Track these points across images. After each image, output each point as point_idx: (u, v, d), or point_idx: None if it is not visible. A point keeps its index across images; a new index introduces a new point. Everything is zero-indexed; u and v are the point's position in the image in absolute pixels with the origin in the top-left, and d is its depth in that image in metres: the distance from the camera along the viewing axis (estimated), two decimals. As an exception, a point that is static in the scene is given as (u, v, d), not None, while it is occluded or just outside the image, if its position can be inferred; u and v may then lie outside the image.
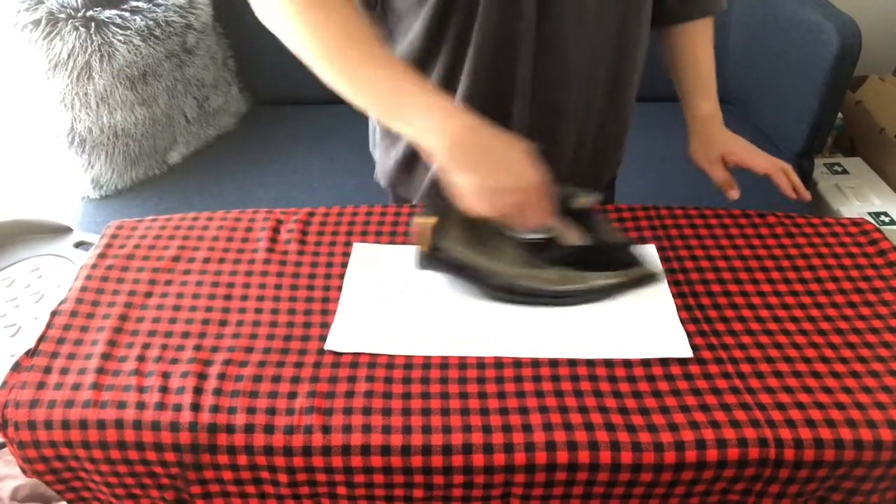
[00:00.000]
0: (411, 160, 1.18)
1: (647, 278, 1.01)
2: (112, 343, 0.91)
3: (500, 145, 0.87)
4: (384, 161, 1.24)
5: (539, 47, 1.01)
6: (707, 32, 1.24)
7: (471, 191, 0.87)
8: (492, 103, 1.04)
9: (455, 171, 0.87)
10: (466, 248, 0.96)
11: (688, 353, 0.90)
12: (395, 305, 0.98)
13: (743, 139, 1.21)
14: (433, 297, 0.99)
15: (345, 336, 0.93)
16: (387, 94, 0.88)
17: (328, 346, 0.91)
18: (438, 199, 0.94)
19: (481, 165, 0.86)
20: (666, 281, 1.01)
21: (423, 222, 0.95)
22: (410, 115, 0.87)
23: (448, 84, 1.05)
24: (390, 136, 1.22)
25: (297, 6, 0.86)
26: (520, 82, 1.04)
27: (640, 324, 0.94)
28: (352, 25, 0.88)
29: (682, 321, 0.95)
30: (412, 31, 1.03)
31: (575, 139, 1.14)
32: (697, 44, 1.23)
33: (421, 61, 1.05)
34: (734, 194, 1.18)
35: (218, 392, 0.85)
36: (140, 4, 1.96)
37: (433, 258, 0.97)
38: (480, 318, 0.96)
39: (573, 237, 0.97)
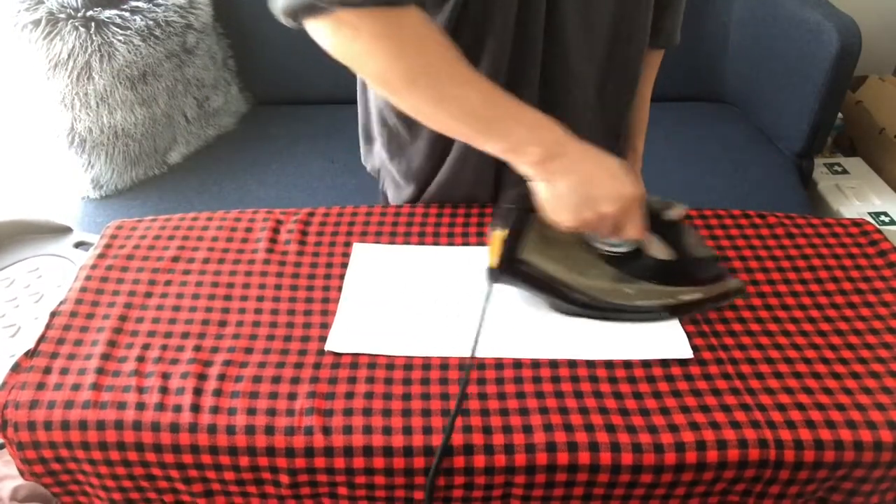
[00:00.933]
0: (418, 171, 1.17)
1: (735, 292, 0.97)
2: (112, 343, 0.91)
3: (595, 156, 0.88)
4: (388, 164, 1.23)
5: (546, 64, 1.02)
6: (655, 67, 1.26)
7: (565, 201, 0.87)
8: None
9: (548, 180, 0.87)
10: (547, 260, 0.94)
11: (688, 353, 0.90)
12: (395, 306, 0.97)
13: None
14: (433, 297, 0.99)
15: (344, 337, 0.93)
16: (480, 112, 0.86)
17: (328, 346, 0.91)
18: (512, 210, 0.93)
19: (577, 174, 0.86)
20: None
21: (496, 234, 0.92)
22: (506, 130, 0.86)
23: None
24: (396, 144, 1.19)
25: (376, 37, 0.82)
26: (528, 91, 1.04)
27: (641, 326, 0.94)
28: (432, 47, 0.85)
29: (682, 321, 0.95)
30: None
31: None
32: (646, 79, 1.25)
33: None
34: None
35: (218, 393, 0.85)
36: (140, 4, 1.96)
37: (508, 271, 0.94)
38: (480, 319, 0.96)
39: (659, 250, 0.94)
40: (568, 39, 1.00)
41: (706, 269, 0.96)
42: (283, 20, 0.87)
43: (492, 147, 0.88)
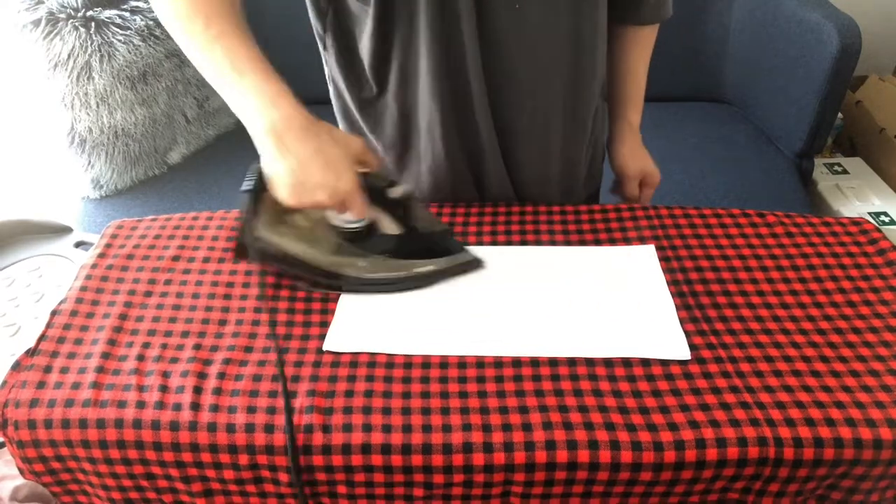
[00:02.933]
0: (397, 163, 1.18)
1: (467, 265, 1.02)
2: (112, 342, 0.91)
3: (322, 143, 0.89)
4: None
5: (486, 68, 1.02)
6: (650, 42, 1.26)
7: (284, 179, 0.88)
8: (455, 120, 1.07)
9: (270, 158, 0.88)
10: (281, 237, 0.96)
11: (686, 355, 0.90)
12: (394, 306, 0.97)
13: (657, 170, 1.29)
14: (432, 296, 0.99)
15: (343, 336, 0.93)
16: (222, 70, 0.90)
17: (326, 346, 0.91)
18: (249, 190, 0.95)
19: (295, 159, 0.87)
20: (661, 279, 1.01)
21: (242, 213, 0.94)
22: (238, 96, 0.90)
23: (407, 86, 1.07)
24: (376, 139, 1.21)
25: None
26: (477, 104, 1.05)
27: (639, 325, 0.94)
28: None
29: (682, 321, 0.95)
30: (366, 32, 1.04)
31: (538, 160, 1.15)
32: (640, 54, 1.26)
33: (378, 63, 1.07)
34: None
35: (218, 391, 0.85)
36: (140, 4, 1.96)
37: (252, 249, 0.96)
38: (479, 317, 0.96)
39: (390, 226, 0.99)
40: (502, 40, 1.02)
41: (439, 243, 1.02)
42: None
43: (230, 106, 0.92)
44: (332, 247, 0.99)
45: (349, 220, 0.98)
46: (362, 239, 1.00)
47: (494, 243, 1.08)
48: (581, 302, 0.97)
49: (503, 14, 0.98)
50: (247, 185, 0.94)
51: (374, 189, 0.94)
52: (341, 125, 1.22)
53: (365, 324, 0.95)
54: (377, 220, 0.99)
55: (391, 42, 1.03)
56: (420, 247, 1.00)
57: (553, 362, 0.89)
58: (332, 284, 0.99)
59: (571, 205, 1.15)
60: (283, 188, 0.88)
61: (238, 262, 0.96)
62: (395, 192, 0.97)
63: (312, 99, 2.52)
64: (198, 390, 0.85)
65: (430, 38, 0.99)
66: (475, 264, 1.02)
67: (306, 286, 0.99)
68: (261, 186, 0.92)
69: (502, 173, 1.14)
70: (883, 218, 2.14)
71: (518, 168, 1.15)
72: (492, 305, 0.97)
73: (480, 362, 0.89)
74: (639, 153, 1.29)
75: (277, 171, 0.88)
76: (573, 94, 1.10)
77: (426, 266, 1.00)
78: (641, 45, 1.26)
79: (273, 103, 0.89)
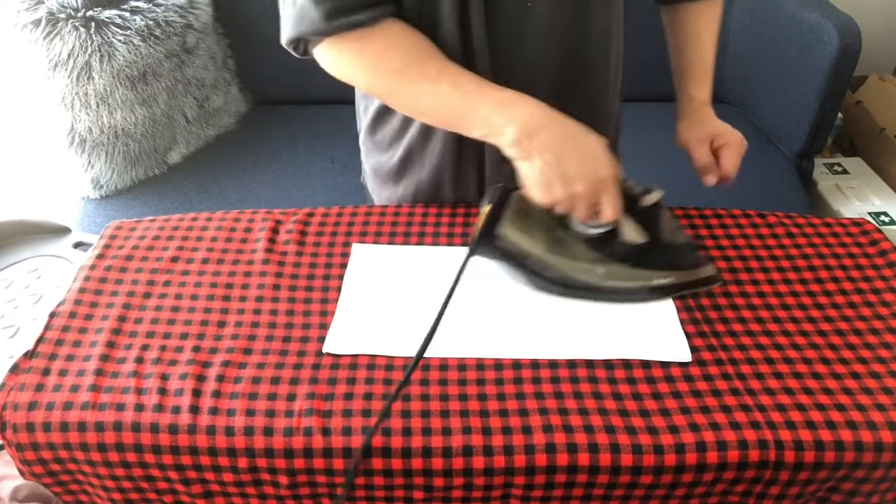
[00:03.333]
0: (391, 170, 1.18)
1: (709, 279, 0.97)
2: (110, 344, 0.91)
3: (574, 134, 0.88)
4: (366, 165, 1.26)
5: (494, 61, 1.01)
6: (713, 15, 1.19)
7: (538, 177, 0.87)
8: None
9: (524, 158, 0.87)
10: (523, 237, 0.95)
11: (687, 357, 0.90)
12: (394, 307, 0.97)
13: (738, 132, 1.17)
14: (432, 298, 0.98)
15: (343, 338, 0.93)
16: (453, 102, 0.91)
17: (326, 348, 0.91)
18: (498, 188, 0.95)
19: (552, 151, 0.86)
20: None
21: (482, 210, 0.94)
22: (480, 116, 0.89)
23: None
24: (371, 143, 1.21)
25: (353, 56, 0.94)
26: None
27: (641, 327, 0.94)
28: (402, 52, 0.93)
29: (683, 322, 0.94)
30: None
31: None
32: (702, 25, 1.19)
33: None
34: (711, 180, 1.14)
35: (217, 394, 0.85)
36: (140, 4, 1.95)
37: (486, 245, 0.95)
38: (479, 319, 0.95)
39: (635, 234, 0.95)
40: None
41: (682, 255, 0.97)
42: (295, 54, 0.99)
43: (473, 133, 0.91)
44: (571, 252, 0.96)
45: (592, 224, 0.95)
46: (603, 246, 0.96)
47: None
48: (582, 304, 0.97)
49: (513, 9, 0.98)
50: (496, 186, 0.95)
51: (623, 194, 0.91)
52: (364, 122, 1.21)
53: (365, 326, 0.94)
54: (621, 225, 0.94)
55: None
56: (661, 257, 0.96)
57: (553, 364, 0.89)
58: (567, 291, 0.97)
59: None
60: (538, 186, 0.88)
61: (472, 255, 0.94)
62: (649, 199, 0.94)
63: (312, 99, 2.53)
64: (196, 393, 0.85)
65: (445, 32, 0.98)
66: (716, 279, 0.98)
67: (537, 288, 0.98)
68: (510, 187, 0.94)
69: (506, 170, 1.13)
70: (883, 218, 2.14)
71: None
72: (492, 307, 0.97)
73: (480, 364, 0.89)
74: (701, 121, 1.18)
75: (534, 168, 0.87)
76: (583, 93, 1.08)
77: (666, 278, 0.96)
78: (702, 17, 1.18)
79: (514, 107, 0.89)
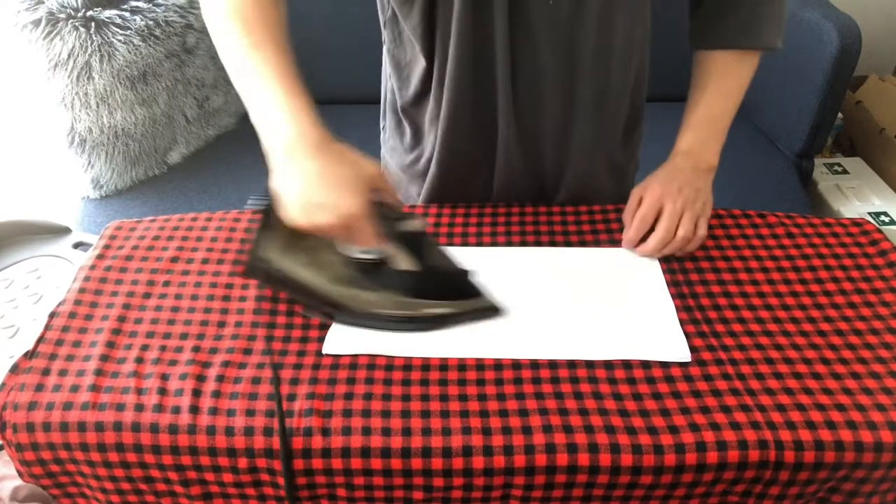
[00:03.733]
0: (412, 170, 1.19)
1: (485, 311, 0.94)
2: (110, 345, 0.91)
3: (331, 164, 0.85)
4: (388, 163, 1.26)
5: (514, 61, 1.01)
6: (734, 70, 1.12)
7: (289, 200, 0.85)
8: (478, 113, 1.07)
9: (279, 175, 0.85)
10: (288, 261, 0.93)
11: (687, 357, 0.90)
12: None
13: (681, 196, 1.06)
14: None
15: (342, 339, 0.93)
16: (256, 82, 0.88)
17: (326, 349, 0.91)
18: (265, 205, 0.91)
19: (304, 178, 0.84)
20: (662, 281, 1.00)
21: (249, 232, 0.90)
22: (264, 110, 0.88)
23: (435, 94, 1.07)
24: (394, 142, 1.22)
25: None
26: (501, 97, 1.05)
27: (640, 327, 0.94)
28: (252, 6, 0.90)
29: (682, 322, 0.94)
30: (410, 27, 1.04)
31: (559, 157, 1.14)
32: (716, 76, 1.12)
33: (409, 66, 1.08)
34: (631, 235, 1.06)
35: (217, 394, 0.85)
36: (140, 4, 1.96)
37: (256, 269, 0.93)
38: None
39: (404, 262, 0.92)
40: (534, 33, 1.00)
41: (456, 285, 0.94)
42: None
43: (251, 117, 0.89)
44: (339, 277, 0.93)
45: (361, 250, 0.92)
46: (374, 272, 0.93)
47: (494, 244, 1.07)
48: (582, 304, 0.97)
49: (536, 7, 0.98)
50: (255, 202, 0.91)
51: (387, 220, 0.89)
52: (390, 122, 1.22)
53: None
54: (392, 253, 0.91)
55: (433, 39, 1.03)
56: (435, 287, 0.93)
57: (553, 364, 0.89)
58: (333, 314, 0.94)
59: (585, 205, 1.15)
60: (289, 207, 0.85)
61: (245, 279, 0.93)
62: (410, 224, 0.92)
63: (314, 99, 2.52)
64: (196, 393, 0.85)
65: (461, 30, 0.98)
66: (494, 311, 0.95)
67: (305, 312, 0.95)
68: (270, 206, 0.89)
69: (517, 169, 1.13)
70: (883, 218, 2.14)
71: (538, 164, 1.15)
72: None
73: (480, 365, 0.89)
74: (664, 173, 1.10)
75: (284, 189, 0.85)
76: (601, 95, 1.08)
77: (438, 308, 0.93)
78: (718, 67, 1.12)
79: (291, 119, 0.86)
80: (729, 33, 1.10)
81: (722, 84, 1.13)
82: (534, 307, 0.97)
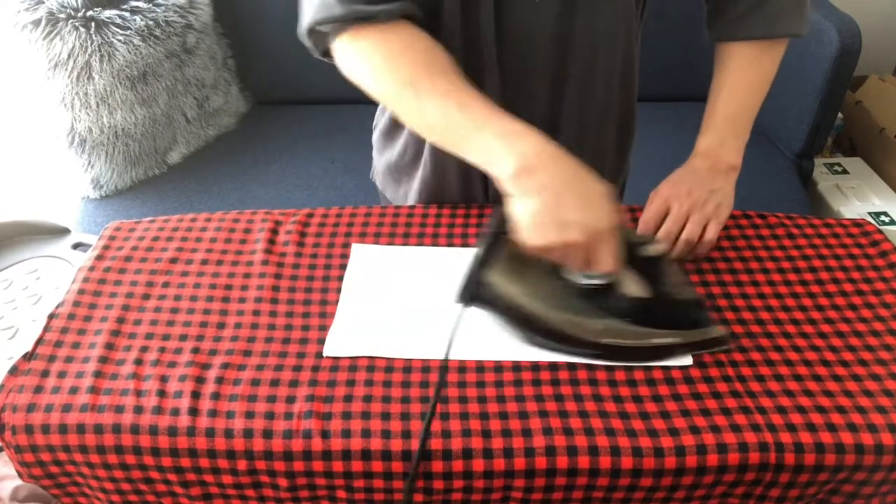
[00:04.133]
0: (399, 167, 1.19)
1: (714, 342, 0.86)
2: (109, 346, 0.91)
3: (577, 177, 0.79)
4: (377, 162, 1.26)
5: (502, 59, 1.01)
6: (757, 60, 1.08)
7: (533, 220, 0.78)
8: None
9: (520, 196, 0.79)
10: (513, 285, 0.86)
11: (687, 360, 0.90)
12: (393, 308, 0.97)
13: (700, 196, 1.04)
14: (433, 299, 0.98)
15: (342, 341, 0.92)
16: (457, 122, 0.84)
17: (326, 352, 0.91)
18: (492, 232, 0.85)
19: (550, 193, 0.77)
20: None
21: (476, 255, 0.85)
22: (481, 142, 0.82)
23: None
24: (384, 140, 1.22)
25: (365, 54, 0.90)
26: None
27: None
28: (418, 58, 0.88)
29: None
30: None
31: None
32: (735, 70, 1.09)
33: None
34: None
35: (216, 396, 0.85)
36: (140, 4, 1.95)
37: (473, 292, 0.86)
38: (480, 321, 0.95)
39: (635, 287, 0.85)
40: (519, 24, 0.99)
41: (686, 313, 0.87)
42: (315, 51, 0.98)
43: (471, 157, 0.85)
44: (563, 305, 0.85)
45: (590, 274, 0.84)
46: (598, 298, 0.85)
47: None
48: None
49: (522, 7, 0.97)
50: (487, 228, 0.86)
51: (627, 242, 0.83)
52: (386, 119, 1.21)
53: (364, 328, 0.94)
54: (621, 278, 0.84)
55: None
56: (665, 314, 0.85)
57: (553, 367, 0.89)
58: (556, 347, 0.86)
59: None
60: (531, 227, 0.78)
61: (463, 305, 0.85)
62: (652, 249, 0.86)
63: (312, 99, 2.52)
64: (196, 395, 0.85)
65: (450, 28, 0.98)
66: (722, 342, 0.86)
67: (524, 341, 0.87)
68: (502, 230, 0.83)
69: None
70: (883, 218, 2.13)
71: None
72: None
73: (480, 367, 0.89)
74: (685, 175, 1.07)
75: (528, 208, 0.78)
76: (588, 94, 1.07)
77: (668, 338, 0.85)
78: (737, 59, 1.09)
79: (518, 139, 0.81)
80: (750, 23, 1.06)
81: (741, 79, 1.10)
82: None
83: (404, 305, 0.97)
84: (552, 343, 0.86)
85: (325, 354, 0.90)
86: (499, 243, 0.84)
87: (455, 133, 0.85)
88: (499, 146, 0.81)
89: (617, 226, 0.79)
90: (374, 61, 0.90)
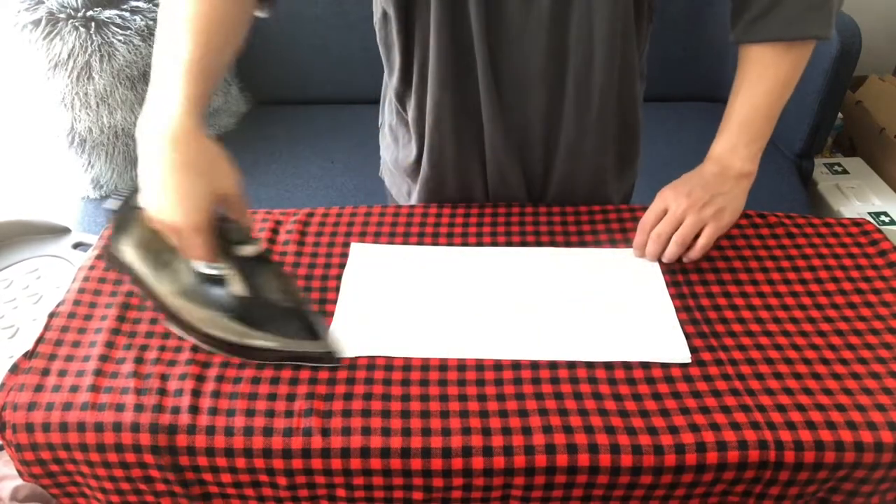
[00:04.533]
0: (401, 166, 1.20)
1: (314, 356, 0.89)
2: (110, 345, 0.91)
3: (181, 160, 0.80)
4: (383, 159, 1.27)
5: (493, 59, 1.01)
6: (780, 61, 1.03)
7: (145, 191, 0.81)
8: (461, 115, 1.06)
9: (143, 163, 0.81)
10: (137, 253, 0.89)
11: (686, 358, 0.90)
12: (393, 307, 0.97)
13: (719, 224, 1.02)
14: (432, 298, 0.98)
15: (342, 339, 0.92)
16: (157, 69, 0.85)
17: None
18: (131, 191, 0.86)
19: (160, 169, 0.80)
20: (662, 282, 1.00)
21: (109, 223, 0.86)
22: (151, 94, 0.83)
23: (417, 93, 1.07)
24: (387, 138, 1.23)
25: None
26: (483, 97, 1.04)
27: (640, 328, 0.94)
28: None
29: (682, 322, 0.94)
30: (393, 25, 1.03)
31: (546, 156, 1.13)
32: (755, 72, 1.05)
33: (403, 57, 1.06)
34: (639, 241, 1.05)
35: (216, 394, 0.85)
36: (140, 4, 1.95)
37: (110, 256, 0.89)
38: (480, 320, 0.95)
39: (237, 285, 0.86)
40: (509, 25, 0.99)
41: (286, 321, 0.89)
42: None
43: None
44: (181, 285, 0.88)
45: (208, 264, 0.86)
46: (210, 289, 0.87)
47: (494, 244, 1.07)
48: (582, 305, 0.97)
49: (513, 5, 0.97)
50: (120, 194, 0.86)
51: (225, 239, 0.85)
52: (387, 118, 1.21)
53: (364, 327, 0.94)
54: (232, 274, 0.86)
55: (412, 34, 1.02)
56: (263, 318, 0.88)
57: (553, 365, 0.89)
58: (172, 324, 0.91)
59: (584, 205, 1.15)
60: (144, 197, 0.81)
61: (107, 268, 0.88)
62: (244, 250, 0.87)
63: (312, 99, 2.52)
64: (196, 393, 0.85)
65: (438, 29, 0.98)
66: (324, 359, 0.89)
67: (155, 310, 0.92)
68: (133, 194, 0.85)
69: (508, 168, 1.13)
70: (883, 218, 2.14)
71: (525, 163, 1.14)
72: (492, 307, 0.97)
73: (480, 365, 0.89)
74: (680, 180, 1.06)
75: (143, 177, 0.81)
76: (587, 92, 1.06)
77: (260, 340, 0.88)
78: (758, 62, 1.04)
79: (166, 107, 0.81)
80: (765, 24, 1.01)
81: (757, 83, 1.06)
82: (534, 308, 0.97)
83: (404, 304, 0.97)
84: (173, 324, 0.90)
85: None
86: (133, 211, 0.85)
87: (158, 63, 0.85)
88: (149, 108, 0.81)
89: (206, 224, 0.81)
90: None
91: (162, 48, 0.86)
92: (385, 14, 1.04)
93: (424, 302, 0.98)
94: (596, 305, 0.97)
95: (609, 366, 0.89)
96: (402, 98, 1.12)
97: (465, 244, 1.07)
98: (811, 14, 0.98)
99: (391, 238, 1.08)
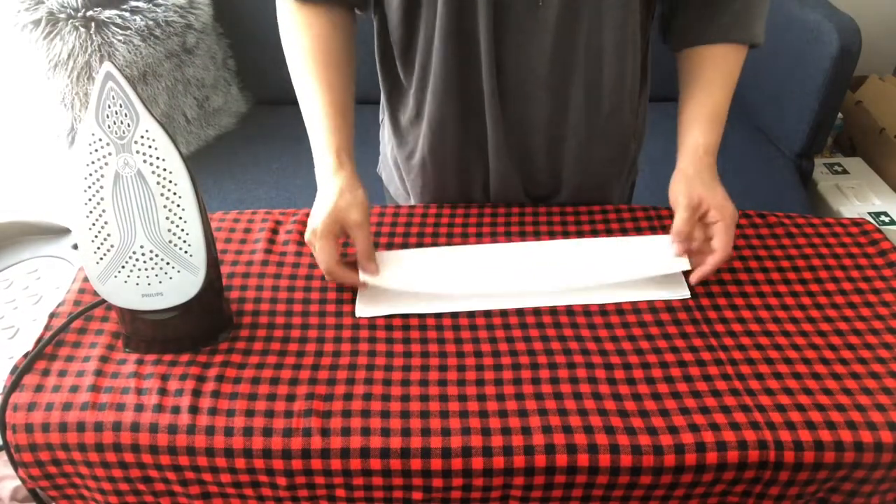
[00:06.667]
0: (400, 164, 1.21)
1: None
2: (110, 346, 0.91)
3: (329, 195, 0.97)
4: (382, 156, 1.29)
5: (500, 66, 1.01)
6: (731, 61, 1.08)
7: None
8: (465, 118, 1.07)
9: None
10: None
11: (686, 294, 0.96)
12: (417, 273, 1.01)
13: (732, 205, 1.01)
14: (447, 270, 1.03)
15: (371, 302, 0.97)
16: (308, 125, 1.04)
17: (358, 314, 0.96)
18: None
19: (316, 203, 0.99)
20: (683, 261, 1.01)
21: None
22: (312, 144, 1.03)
23: (416, 94, 1.09)
24: (386, 136, 1.23)
25: (282, 22, 1.09)
26: (488, 103, 1.04)
27: (641, 268, 1.00)
28: (297, 46, 1.07)
29: (682, 321, 0.94)
30: (394, 27, 1.05)
31: (551, 164, 1.14)
32: (717, 71, 1.07)
33: (403, 61, 1.08)
34: (681, 248, 1.01)
35: (216, 394, 0.85)
36: (140, 4, 1.96)
37: None
38: (476, 272, 1.02)
39: None
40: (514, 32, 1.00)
41: None
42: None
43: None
44: None
45: None
46: None
47: (495, 244, 1.07)
48: (591, 256, 1.04)
49: (522, 8, 0.97)
50: None
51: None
52: (388, 117, 1.22)
53: (389, 292, 0.99)
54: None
55: (415, 40, 1.03)
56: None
57: (552, 365, 0.89)
58: None
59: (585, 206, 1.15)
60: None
61: None
62: None
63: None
64: (196, 393, 0.85)
65: (444, 30, 0.98)
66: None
67: None
68: None
69: (510, 174, 1.13)
70: (883, 218, 2.14)
71: (530, 170, 1.14)
72: (487, 259, 1.04)
73: (479, 365, 0.89)
74: (699, 176, 1.01)
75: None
76: (594, 97, 1.06)
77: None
78: (717, 61, 1.08)
79: (323, 165, 1.00)
80: (723, 27, 1.05)
81: (725, 77, 1.08)
82: (542, 260, 1.04)
83: (422, 275, 1.02)
84: None
85: (357, 316, 0.96)
86: None
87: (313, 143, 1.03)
88: (316, 161, 1.02)
89: (334, 253, 0.97)
90: (284, 38, 1.09)
91: (298, 91, 1.08)
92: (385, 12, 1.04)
93: (441, 272, 1.02)
94: (599, 256, 1.04)
95: (609, 365, 0.89)
96: (403, 99, 1.12)
97: (464, 244, 1.07)
98: (759, 22, 1.09)
99: (391, 238, 1.08)
